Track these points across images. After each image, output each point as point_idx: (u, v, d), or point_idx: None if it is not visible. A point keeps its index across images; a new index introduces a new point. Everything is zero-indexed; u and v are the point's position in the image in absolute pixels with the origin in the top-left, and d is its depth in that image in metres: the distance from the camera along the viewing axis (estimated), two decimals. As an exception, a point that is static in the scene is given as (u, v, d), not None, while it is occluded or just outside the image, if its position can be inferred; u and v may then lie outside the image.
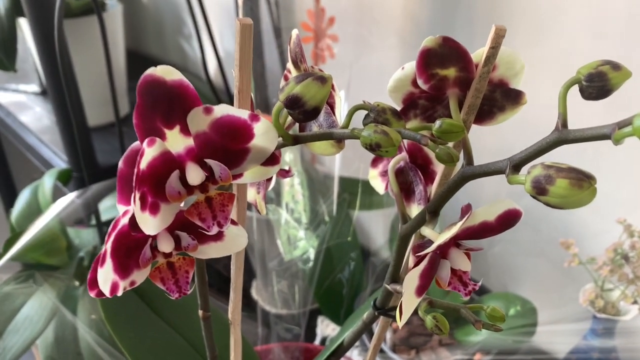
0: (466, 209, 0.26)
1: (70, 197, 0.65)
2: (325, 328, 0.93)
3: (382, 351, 0.66)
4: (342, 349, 0.43)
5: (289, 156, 0.66)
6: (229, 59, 1.09)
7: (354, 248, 0.68)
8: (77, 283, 0.72)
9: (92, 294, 0.30)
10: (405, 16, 0.80)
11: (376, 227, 1.02)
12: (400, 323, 0.27)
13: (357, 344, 0.81)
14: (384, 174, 0.38)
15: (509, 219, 0.27)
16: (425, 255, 0.26)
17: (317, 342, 0.85)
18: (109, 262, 0.28)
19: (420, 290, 0.26)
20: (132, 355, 0.47)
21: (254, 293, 0.98)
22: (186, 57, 1.30)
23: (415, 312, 0.77)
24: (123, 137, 0.84)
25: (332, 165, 0.84)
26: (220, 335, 0.43)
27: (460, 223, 0.25)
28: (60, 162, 1.01)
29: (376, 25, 0.85)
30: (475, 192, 0.74)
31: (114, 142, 1.02)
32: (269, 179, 0.34)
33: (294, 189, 0.65)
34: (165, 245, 0.29)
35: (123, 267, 0.28)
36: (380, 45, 0.83)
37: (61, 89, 0.86)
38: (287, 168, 0.37)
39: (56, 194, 0.79)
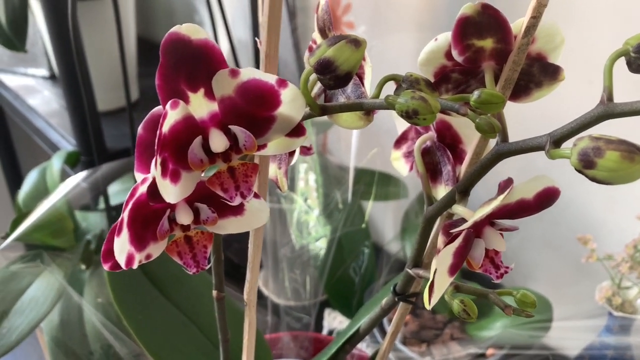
0: (506, 184, 0.24)
1: (78, 178, 0.64)
2: (332, 321, 0.91)
3: (397, 348, 0.65)
4: (357, 336, 0.42)
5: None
6: (242, 47, 1.08)
7: (366, 238, 0.66)
8: (83, 266, 0.71)
9: (106, 267, 0.29)
10: (422, 1, 0.78)
11: (388, 223, 1.00)
12: (429, 304, 0.26)
13: (367, 340, 0.79)
14: (408, 154, 0.37)
15: (547, 198, 0.25)
16: (460, 233, 0.24)
17: (323, 334, 0.84)
18: (125, 232, 0.26)
19: (454, 269, 0.25)
20: (140, 337, 0.46)
21: (261, 285, 0.97)
22: (197, 45, 1.29)
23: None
24: (133, 123, 0.82)
25: (342, 155, 0.83)
26: (230, 322, 0.41)
27: (501, 197, 0.23)
28: (68, 145, 0.99)
29: (393, 10, 0.83)
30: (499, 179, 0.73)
31: (122, 127, 1.01)
32: (291, 154, 0.32)
33: (308, 175, 0.63)
34: (184, 217, 0.27)
35: (139, 239, 0.27)
36: (396, 30, 0.82)
37: (73, 73, 0.85)
38: (308, 145, 0.35)
39: (64, 177, 0.77)
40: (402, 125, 0.37)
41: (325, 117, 0.73)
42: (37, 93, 1.21)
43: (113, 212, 0.75)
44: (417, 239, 0.34)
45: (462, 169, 0.32)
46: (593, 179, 0.22)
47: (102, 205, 0.75)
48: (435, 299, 0.25)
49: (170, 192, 0.25)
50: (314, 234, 0.63)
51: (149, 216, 0.27)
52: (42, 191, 0.72)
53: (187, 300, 0.50)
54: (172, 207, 0.27)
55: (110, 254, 0.28)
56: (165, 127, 0.23)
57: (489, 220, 0.26)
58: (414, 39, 0.81)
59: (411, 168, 0.36)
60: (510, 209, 0.25)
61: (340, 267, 0.63)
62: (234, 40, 1.08)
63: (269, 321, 0.68)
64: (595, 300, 0.66)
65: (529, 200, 0.25)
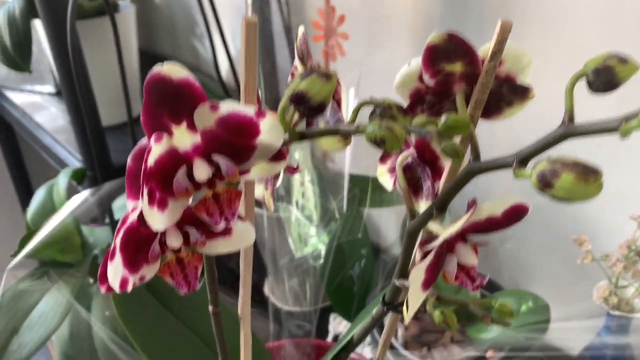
0: (471, 204, 0.26)
1: (84, 195, 0.66)
2: (338, 325, 0.93)
3: (393, 348, 0.66)
4: (351, 345, 0.43)
5: (298, 154, 0.66)
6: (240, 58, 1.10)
7: (365, 245, 0.68)
8: (91, 280, 0.73)
9: (103, 289, 0.30)
10: (416, 12, 0.80)
11: (387, 224, 1.02)
12: (407, 318, 0.27)
13: (369, 340, 0.81)
14: (393, 170, 0.38)
15: (515, 214, 0.26)
16: (432, 249, 0.26)
17: (329, 339, 0.85)
18: (118, 257, 0.28)
19: (427, 284, 0.26)
20: (145, 350, 0.47)
21: (267, 290, 0.99)
22: (199, 57, 1.31)
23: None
24: (136, 137, 0.85)
25: (343, 162, 0.84)
26: (232, 332, 0.43)
27: (466, 217, 0.25)
28: (75, 161, 1.02)
29: (387, 22, 0.84)
30: (489, 189, 0.74)
31: (127, 141, 1.03)
32: (277, 176, 0.34)
33: (305, 186, 0.65)
34: (174, 241, 0.29)
35: (132, 262, 0.29)
36: (390, 42, 0.83)
37: (74, 90, 0.87)
38: (295, 165, 0.37)
39: (70, 193, 0.79)
40: (386, 141, 0.39)
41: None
42: (44, 109, 1.24)
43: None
44: (402, 252, 0.35)
45: (441, 184, 0.33)
46: (552, 198, 0.23)
47: (108, 219, 0.77)
48: (411, 313, 0.27)
49: (158, 220, 0.26)
50: (312, 243, 0.65)
51: (140, 241, 0.29)
52: (49, 209, 0.74)
53: (189, 312, 0.51)
54: (163, 231, 0.29)
55: (106, 277, 0.30)
56: (150, 160, 0.25)
57: (461, 236, 0.27)
58: (408, 49, 0.82)
59: (394, 183, 0.37)
60: (480, 226, 0.27)
61: (341, 273, 0.65)
62: (233, 51, 1.10)
63: (271, 329, 0.70)
64: (593, 300, 0.67)
65: (498, 217, 0.26)
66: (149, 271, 0.30)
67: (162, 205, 0.26)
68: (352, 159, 0.74)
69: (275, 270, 0.82)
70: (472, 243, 0.27)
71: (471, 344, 0.64)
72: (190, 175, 0.26)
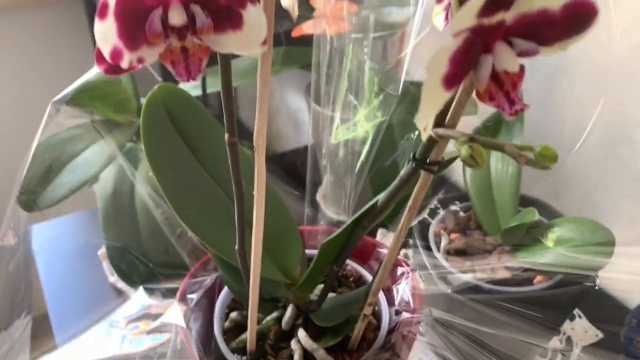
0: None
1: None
2: (382, 238, 0.89)
3: (434, 256, 0.62)
4: (375, 211, 0.40)
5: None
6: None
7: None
8: (142, 146, 0.73)
9: (101, 69, 0.28)
10: None
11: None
12: (419, 123, 0.23)
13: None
14: (448, 6, 0.33)
15: (578, 13, 0.21)
16: (460, 33, 0.21)
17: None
18: (111, 22, 0.25)
19: (449, 80, 0.21)
20: (168, 194, 0.46)
21: (319, 197, 0.97)
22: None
23: (477, 226, 0.70)
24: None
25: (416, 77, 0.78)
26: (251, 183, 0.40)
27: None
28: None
29: None
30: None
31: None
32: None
33: (360, 57, 0.59)
34: (177, 17, 0.26)
35: (129, 36, 0.26)
36: None
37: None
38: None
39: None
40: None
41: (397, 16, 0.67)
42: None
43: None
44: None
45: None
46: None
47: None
48: (423, 115, 0.22)
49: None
50: (360, 125, 0.60)
51: (140, 12, 0.26)
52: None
53: (220, 168, 0.49)
54: (166, 5, 0.26)
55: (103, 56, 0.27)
56: None
57: (504, 35, 0.22)
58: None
59: (446, 17, 0.32)
60: (529, 22, 0.21)
61: (386, 154, 0.59)
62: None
63: (306, 213, 0.67)
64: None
65: (555, 12, 0.21)
66: (149, 54, 0.27)
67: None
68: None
69: (315, 169, 0.78)
70: (519, 49, 0.22)
71: (519, 264, 0.58)
72: None
